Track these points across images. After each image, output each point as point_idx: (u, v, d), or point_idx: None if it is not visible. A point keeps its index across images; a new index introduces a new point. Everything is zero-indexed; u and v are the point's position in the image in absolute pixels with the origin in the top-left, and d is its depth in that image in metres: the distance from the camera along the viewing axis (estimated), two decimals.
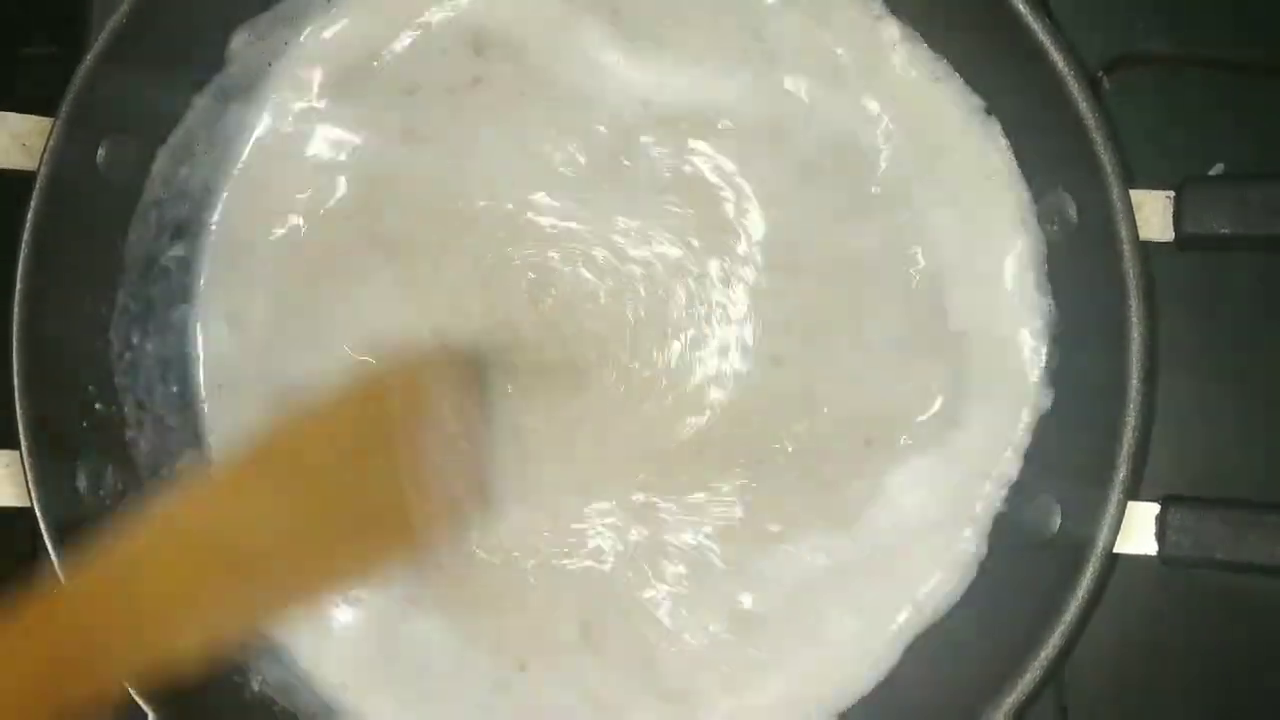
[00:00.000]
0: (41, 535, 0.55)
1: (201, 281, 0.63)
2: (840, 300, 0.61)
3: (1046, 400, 0.59)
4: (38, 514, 0.55)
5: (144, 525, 0.51)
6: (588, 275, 0.61)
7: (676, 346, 0.61)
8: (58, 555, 0.55)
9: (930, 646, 0.60)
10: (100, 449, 0.60)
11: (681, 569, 0.60)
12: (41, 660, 0.48)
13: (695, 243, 0.61)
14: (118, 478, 0.60)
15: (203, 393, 0.63)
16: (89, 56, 0.56)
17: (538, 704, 0.60)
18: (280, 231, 0.63)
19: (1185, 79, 0.65)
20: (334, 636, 0.61)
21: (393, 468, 0.54)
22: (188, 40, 0.60)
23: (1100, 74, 0.64)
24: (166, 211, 0.62)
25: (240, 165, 0.63)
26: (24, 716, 0.48)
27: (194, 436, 0.63)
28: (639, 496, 0.60)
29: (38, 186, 0.56)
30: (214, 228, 0.63)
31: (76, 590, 0.51)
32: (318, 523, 0.54)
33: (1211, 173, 0.62)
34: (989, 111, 0.60)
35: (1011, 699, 0.54)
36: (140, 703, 0.55)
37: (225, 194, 0.63)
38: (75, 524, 0.56)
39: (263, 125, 0.63)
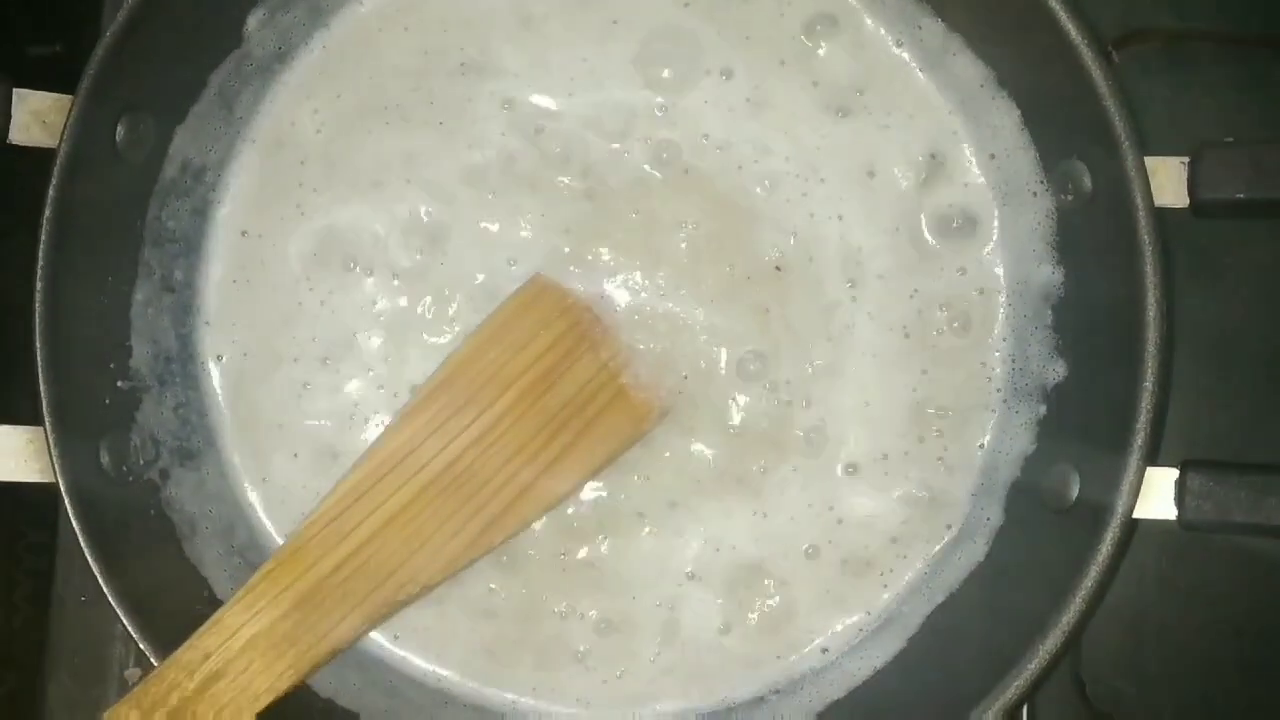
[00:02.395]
0: (65, 510, 0.55)
1: (215, 258, 0.63)
2: None
3: (1062, 369, 0.60)
4: (61, 490, 0.55)
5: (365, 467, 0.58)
6: None
7: None
8: (81, 530, 0.55)
9: (952, 616, 0.60)
10: (122, 425, 0.60)
11: None
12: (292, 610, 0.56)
13: None
14: (140, 453, 0.60)
15: (217, 368, 0.63)
16: (107, 33, 0.56)
17: None
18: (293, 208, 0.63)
19: (1192, 53, 0.65)
20: None
21: (592, 354, 0.59)
22: (204, 18, 0.60)
23: (1110, 49, 0.65)
24: (184, 187, 0.62)
25: (256, 143, 0.63)
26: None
27: (213, 411, 0.63)
28: None
29: (58, 163, 0.56)
30: (229, 204, 0.63)
31: (315, 537, 0.57)
32: (538, 421, 0.58)
33: (1226, 142, 0.62)
34: (1000, 83, 0.60)
35: (1033, 666, 0.54)
36: None
37: (240, 172, 0.63)
38: (98, 499, 0.57)
39: (280, 103, 0.63)
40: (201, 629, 0.56)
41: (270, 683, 0.56)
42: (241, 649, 0.56)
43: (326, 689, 0.61)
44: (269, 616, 0.56)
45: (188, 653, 0.56)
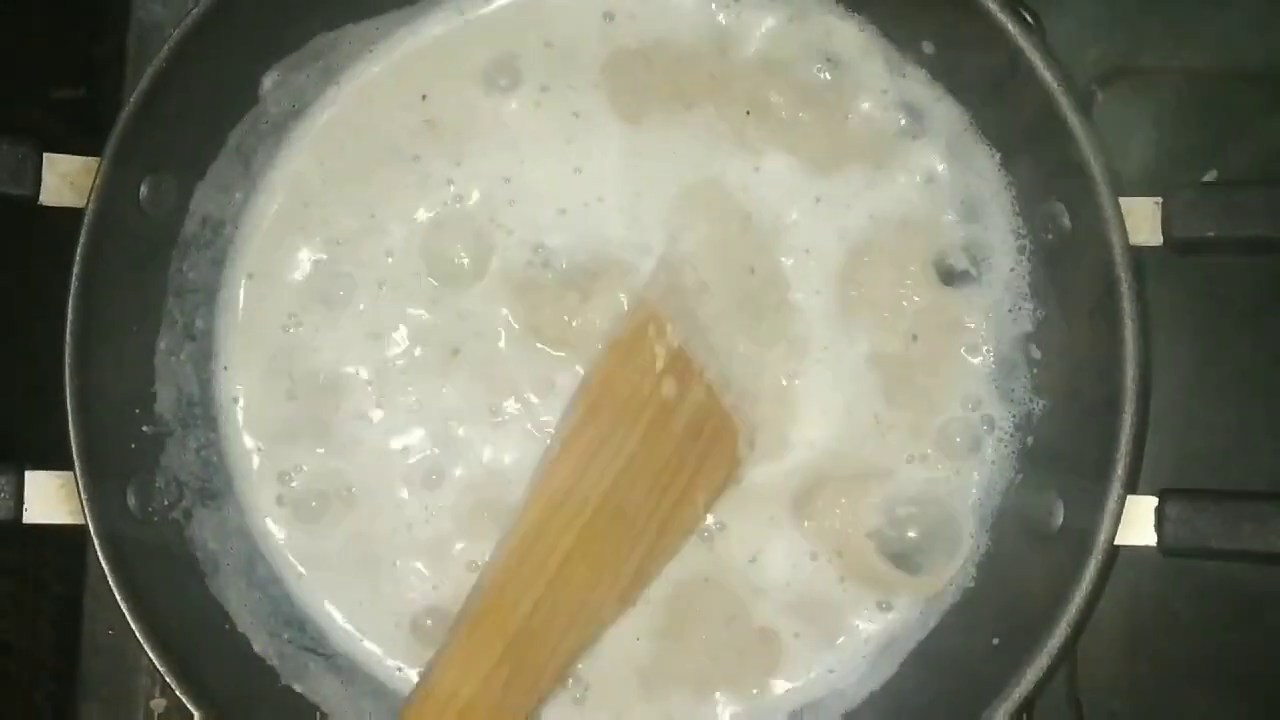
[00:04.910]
0: (93, 549, 0.58)
1: (230, 305, 0.66)
2: None
3: (1046, 402, 0.62)
4: (91, 531, 0.58)
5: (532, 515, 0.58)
6: None
7: None
8: (110, 568, 0.58)
9: (941, 641, 0.62)
10: (148, 468, 0.62)
11: None
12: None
13: None
14: (165, 494, 0.63)
15: (235, 410, 0.66)
16: (132, 99, 0.59)
17: None
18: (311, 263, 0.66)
19: (1175, 91, 0.67)
20: None
21: (699, 377, 0.59)
22: (222, 81, 0.63)
23: (1094, 88, 0.67)
24: (204, 239, 0.65)
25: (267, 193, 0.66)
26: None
27: (233, 451, 0.66)
28: None
29: (86, 222, 0.58)
30: (240, 250, 0.66)
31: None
32: (660, 456, 0.59)
33: (1206, 179, 0.65)
34: (981, 129, 0.63)
35: (1020, 689, 0.56)
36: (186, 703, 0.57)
37: (252, 219, 0.66)
38: (125, 539, 0.59)
39: (295, 162, 0.66)
40: (414, 698, 0.56)
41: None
42: (473, 694, 0.55)
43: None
44: (484, 668, 0.56)
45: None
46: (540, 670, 0.57)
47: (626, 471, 0.59)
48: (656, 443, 0.59)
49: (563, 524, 0.58)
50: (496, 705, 0.56)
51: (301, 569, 0.65)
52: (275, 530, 0.65)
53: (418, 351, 0.64)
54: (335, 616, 0.64)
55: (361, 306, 0.65)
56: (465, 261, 0.64)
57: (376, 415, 0.64)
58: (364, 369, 0.65)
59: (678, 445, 0.59)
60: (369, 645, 0.64)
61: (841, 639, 0.62)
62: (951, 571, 0.62)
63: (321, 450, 0.64)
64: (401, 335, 0.64)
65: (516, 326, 0.64)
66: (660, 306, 0.61)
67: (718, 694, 0.63)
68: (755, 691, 0.62)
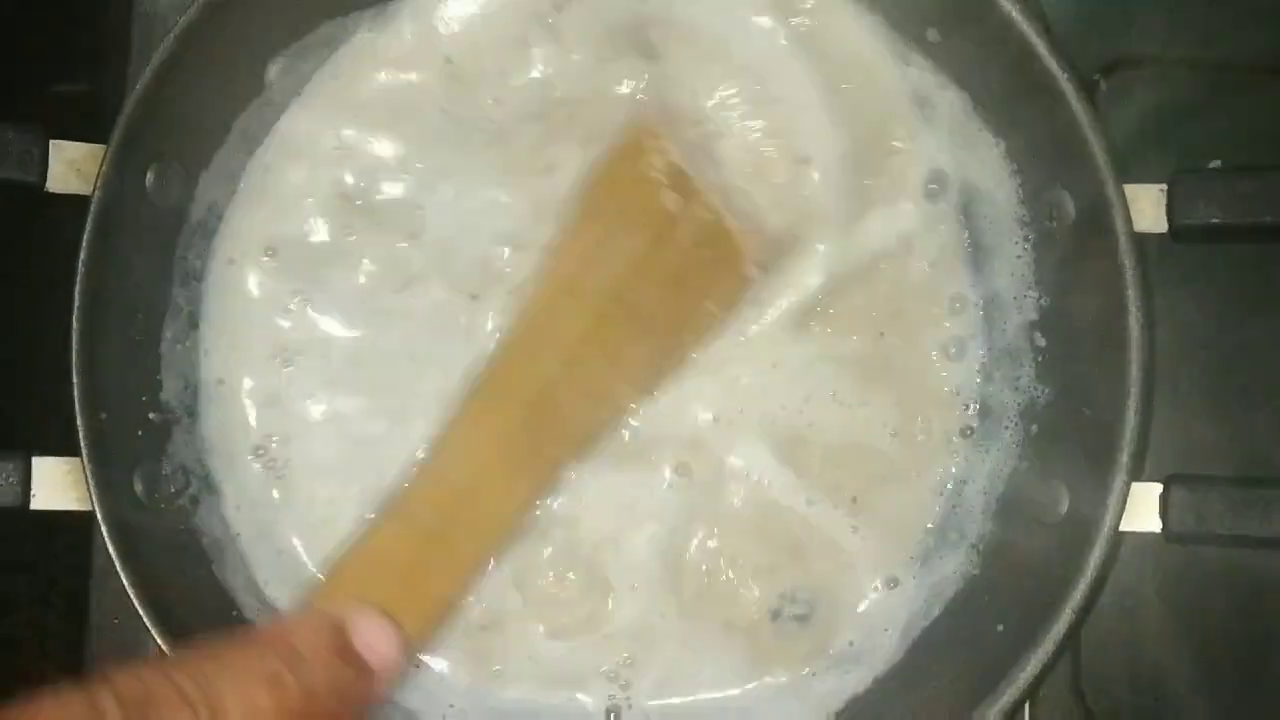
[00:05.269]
0: (102, 536, 0.58)
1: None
2: None
3: (1051, 389, 0.62)
4: (98, 517, 0.58)
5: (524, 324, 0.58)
6: None
7: None
8: (117, 554, 0.58)
9: (946, 627, 0.62)
10: (154, 455, 0.62)
11: None
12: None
13: None
14: (171, 482, 0.63)
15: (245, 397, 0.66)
16: (137, 86, 0.59)
17: None
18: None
19: (1178, 80, 0.67)
20: None
21: (695, 199, 0.59)
22: (228, 69, 0.63)
23: (1097, 77, 0.67)
24: (210, 227, 0.65)
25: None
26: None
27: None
28: None
29: (92, 209, 0.59)
30: (255, 246, 0.66)
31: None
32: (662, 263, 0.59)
33: (1210, 167, 0.65)
34: (985, 117, 0.63)
35: (1024, 676, 0.56)
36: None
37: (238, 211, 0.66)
38: (133, 526, 0.59)
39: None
40: (419, 468, 0.55)
41: (515, 502, 0.55)
42: (476, 471, 0.54)
43: None
44: (496, 432, 0.55)
45: (424, 477, 0.54)
46: (564, 433, 0.57)
47: (635, 270, 0.59)
48: (662, 247, 0.59)
49: (575, 307, 0.58)
50: (516, 460, 0.55)
51: (306, 557, 0.64)
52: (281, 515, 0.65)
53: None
54: None
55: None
56: None
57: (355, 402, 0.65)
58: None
59: (684, 254, 0.60)
60: None
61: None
62: None
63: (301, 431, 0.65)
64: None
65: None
66: (656, 124, 0.61)
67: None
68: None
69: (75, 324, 0.58)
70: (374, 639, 0.48)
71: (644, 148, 0.61)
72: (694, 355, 0.62)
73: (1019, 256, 0.63)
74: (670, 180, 0.60)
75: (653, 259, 0.59)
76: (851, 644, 0.63)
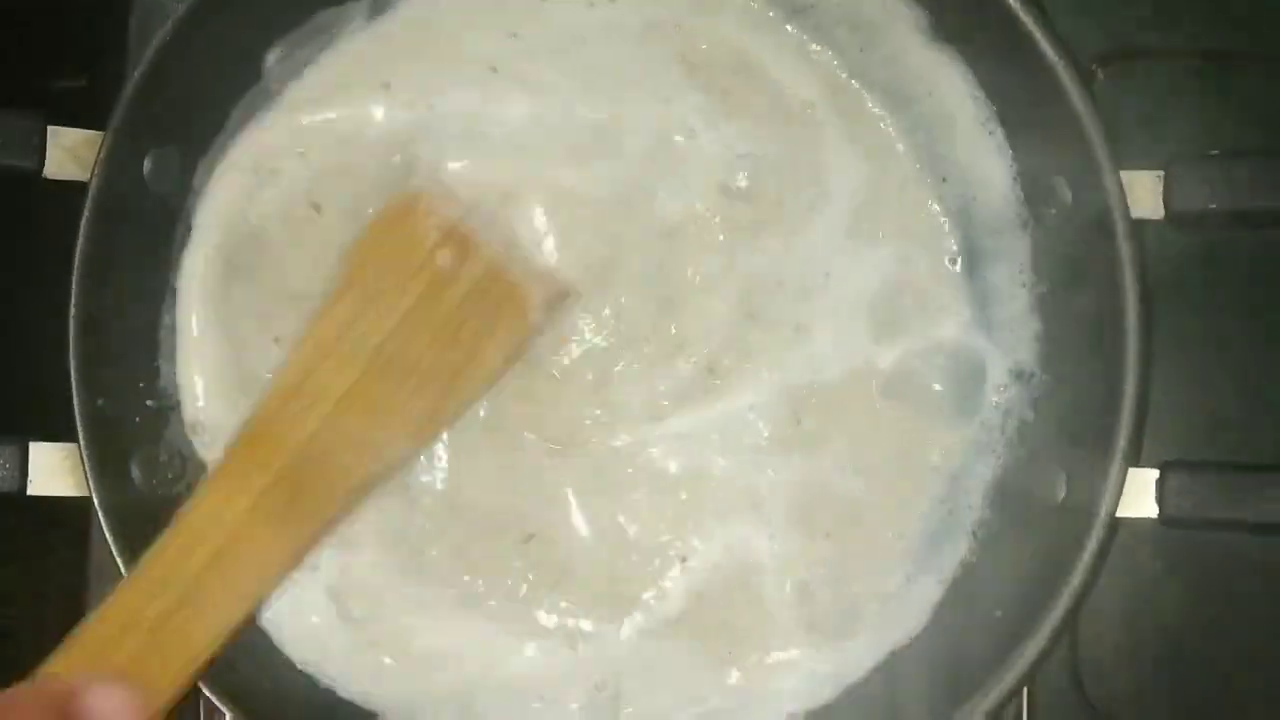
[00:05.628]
0: (99, 522, 0.58)
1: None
2: None
3: (1049, 375, 0.62)
4: (96, 503, 0.58)
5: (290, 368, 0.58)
6: None
7: None
8: (114, 540, 0.58)
9: (945, 612, 0.62)
10: (152, 441, 0.62)
11: None
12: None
13: None
14: (168, 468, 0.63)
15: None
16: (136, 73, 0.59)
17: None
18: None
19: (1175, 70, 0.67)
20: None
21: (473, 254, 0.60)
22: (225, 57, 0.63)
23: (1094, 67, 0.67)
24: (206, 216, 0.64)
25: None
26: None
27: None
28: None
29: (90, 196, 0.59)
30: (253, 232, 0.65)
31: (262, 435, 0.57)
32: (438, 321, 0.59)
33: (1208, 154, 0.65)
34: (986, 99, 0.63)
35: (1022, 661, 0.56)
36: (216, 702, 0.58)
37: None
38: (130, 512, 0.59)
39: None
40: (174, 524, 0.53)
41: (278, 560, 0.54)
42: (233, 530, 0.54)
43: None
44: (254, 490, 0.55)
45: (169, 544, 0.53)
46: (322, 498, 0.57)
47: (403, 325, 0.59)
48: (433, 303, 0.60)
49: (336, 366, 0.58)
50: (271, 527, 0.55)
51: None
52: None
53: None
54: None
55: None
56: None
57: None
58: None
59: (459, 306, 0.60)
60: None
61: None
62: None
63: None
64: None
65: None
66: (431, 192, 0.62)
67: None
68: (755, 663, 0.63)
69: (73, 310, 0.59)
70: (106, 706, 0.46)
71: (418, 208, 0.61)
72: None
73: (1016, 243, 0.63)
74: (446, 237, 0.60)
75: (422, 311, 0.59)
76: (849, 629, 0.63)
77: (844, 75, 0.65)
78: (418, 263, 0.60)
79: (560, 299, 0.62)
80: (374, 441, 0.59)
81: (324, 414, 0.57)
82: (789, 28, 0.65)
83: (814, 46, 0.65)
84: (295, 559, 0.56)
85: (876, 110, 0.64)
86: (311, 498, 0.56)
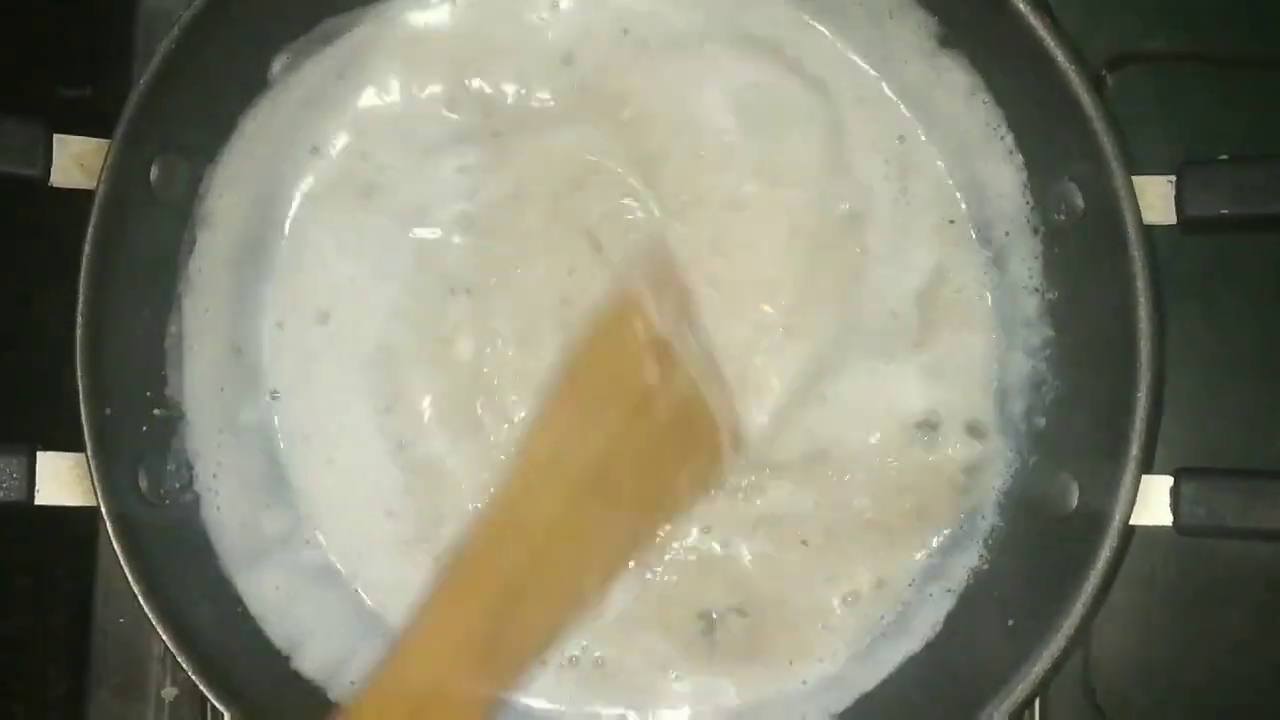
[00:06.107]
0: (105, 530, 0.58)
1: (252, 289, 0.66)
2: None
3: (1061, 383, 0.62)
4: (103, 512, 0.58)
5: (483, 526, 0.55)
6: None
7: None
8: (121, 550, 0.58)
9: (956, 621, 0.62)
10: (159, 450, 0.62)
11: None
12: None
13: None
14: (176, 477, 0.63)
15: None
16: (141, 81, 0.59)
17: None
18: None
19: (1184, 74, 0.67)
20: None
21: (676, 372, 0.58)
22: (231, 64, 0.62)
23: (1104, 72, 0.67)
24: (217, 224, 0.65)
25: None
26: None
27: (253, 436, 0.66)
28: None
29: (96, 204, 0.58)
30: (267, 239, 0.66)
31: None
32: (635, 461, 0.57)
33: (1219, 159, 0.64)
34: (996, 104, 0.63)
35: (1035, 670, 0.56)
36: (216, 702, 0.57)
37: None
38: (137, 521, 0.59)
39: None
40: (397, 650, 0.53)
41: (485, 695, 0.53)
42: (449, 661, 0.53)
43: None
44: (470, 618, 0.54)
45: (386, 682, 0.52)
46: (528, 627, 0.55)
47: (611, 450, 0.57)
48: (640, 425, 0.58)
49: (548, 493, 0.56)
50: (479, 659, 0.54)
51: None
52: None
53: None
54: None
55: None
56: None
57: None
58: None
59: (661, 431, 0.58)
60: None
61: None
62: None
63: None
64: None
65: None
66: (643, 290, 0.60)
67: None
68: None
69: (80, 319, 0.58)
70: None
71: (628, 316, 0.59)
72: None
73: (1028, 249, 0.63)
74: (653, 350, 0.58)
75: (629, 437, 0.57)
76: (863, 639, 0.63)
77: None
78: (628, 377, 0.58)
79: (739, 430, 0.60)
80: (574, 580, 0.57)
81: (533, 546, 0.55)
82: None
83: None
84: (492, 703, 0.55)
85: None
86: (514, 640, 0.55)
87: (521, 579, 0.55)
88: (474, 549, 0.56)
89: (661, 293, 0.60)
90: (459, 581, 0.55)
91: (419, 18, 0.66)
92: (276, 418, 0.66)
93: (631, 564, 0.60)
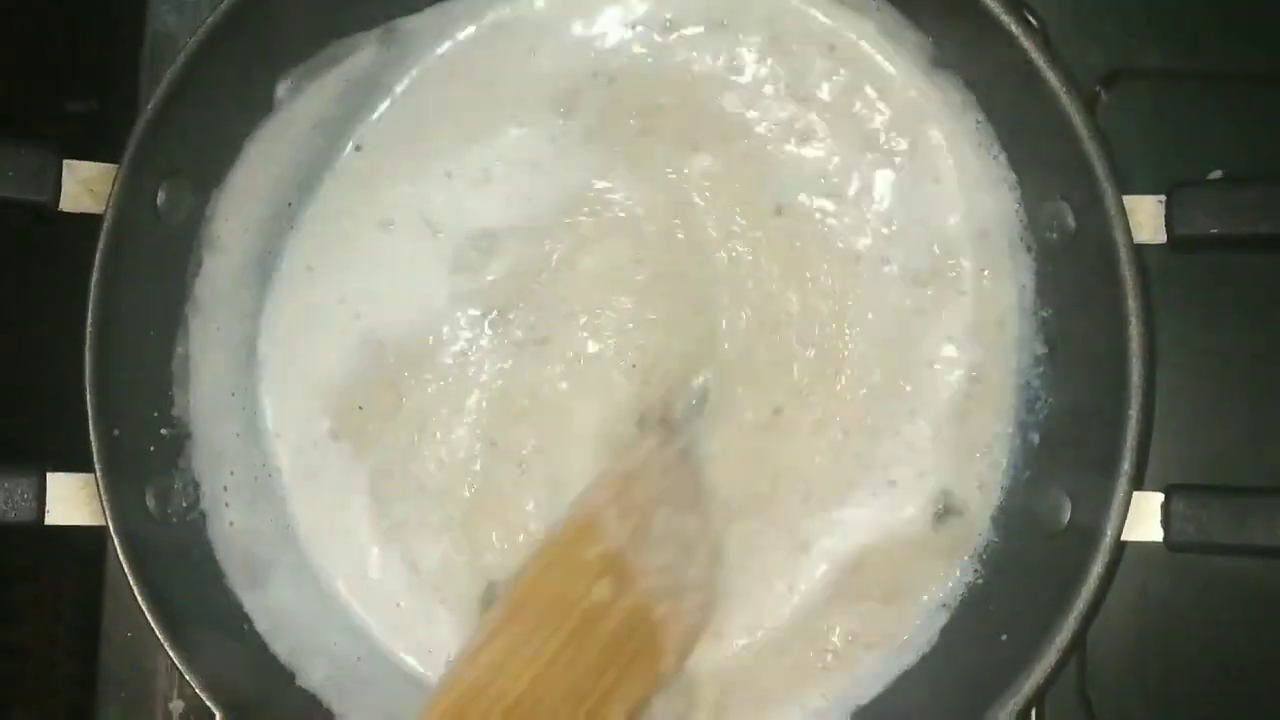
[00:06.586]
0: (114, 549, 0.59)
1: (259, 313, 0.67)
2: None
3: (1053, 399, 0.62)
4: (111, 531, 0.59)
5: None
6: None
7: None
8: (130, 569, 0.58)
9: (951, 636, 0.62)
10: (166, 470, 0.63)
11: None
12: None
13: None
14: (183, 496, 0.64)
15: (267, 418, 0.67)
16: (148, 106, 0.60)
17: None
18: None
19: (1177, 91, 0.67)
20: None
21: (629, 588, 0.58)
22: (236, 89, 0.63)
23: (1098, 88, 0.67)
24: (224, 247, 0.66)
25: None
26: None
27: (255, 455, 0.67)
28: None
29: (104, 228, 0.59)
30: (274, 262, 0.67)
31: None
32: (582, 661, 0.56)
33: (1210, 178, 0.65)
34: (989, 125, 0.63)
35: (1028, 685, 0.56)
36: (210, 704, 0.58)
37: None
38: (145, 540, 0.60)
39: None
40: None
41: None
42: None
43: None
44: None
45: None
46: None
47: (546, 673, 0.56)
48: (580, 646, 0.57)
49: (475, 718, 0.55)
50: None
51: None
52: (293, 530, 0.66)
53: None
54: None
55: None
56: None
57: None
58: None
59: (601, 651, 0.57)
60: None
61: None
62: None
63: None
64: None
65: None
66: (606, 504, 0.59)
67: None
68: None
69: (88, 341, 0.59)
70: None
71: (588, 535, 0.58)
72: None
73: (1019, 267, 0.63)
74: (608, 568, 0.58)
75: (569, 656, 0.57)
76: (856, 655, 0.63)
77: None
78: (577, 595, 0.57)
79: (694, 643, 0.60)
80: None
81: None
82: None
83: None
84: None
85: None
86: None
87: None
88: None
89: (626, 506, 0.59)
90: None
91: None
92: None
93: None
